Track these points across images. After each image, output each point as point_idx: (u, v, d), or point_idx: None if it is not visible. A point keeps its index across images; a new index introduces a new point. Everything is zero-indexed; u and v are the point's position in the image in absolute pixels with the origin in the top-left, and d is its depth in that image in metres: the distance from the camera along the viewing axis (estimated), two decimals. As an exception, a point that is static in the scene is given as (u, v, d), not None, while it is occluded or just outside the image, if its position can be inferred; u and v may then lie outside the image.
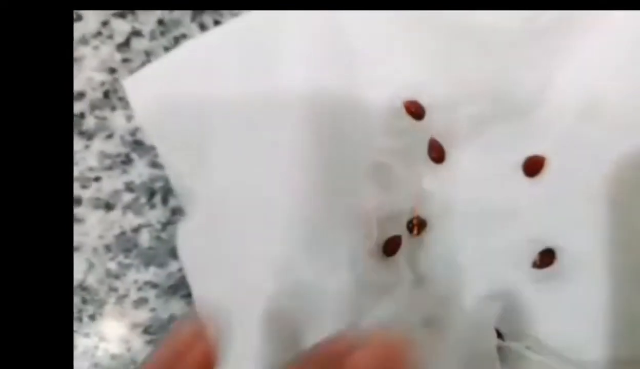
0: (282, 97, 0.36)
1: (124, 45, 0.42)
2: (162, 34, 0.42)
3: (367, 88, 0.36)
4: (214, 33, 0.38)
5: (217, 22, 0.42)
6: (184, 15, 0.41)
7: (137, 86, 0.38)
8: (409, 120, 0.36)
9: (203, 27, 0.41)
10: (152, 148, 0.41)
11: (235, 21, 0.38)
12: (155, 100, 0.37)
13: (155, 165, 0.42)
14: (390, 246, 0.36)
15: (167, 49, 0.41)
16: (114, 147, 0.41)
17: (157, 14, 0.41)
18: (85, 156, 0.41)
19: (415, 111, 0.36)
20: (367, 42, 0.36)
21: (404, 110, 0.36)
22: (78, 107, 0.42)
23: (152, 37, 0.42)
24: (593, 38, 0.35)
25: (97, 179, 0.41)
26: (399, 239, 0.36)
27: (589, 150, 0.35)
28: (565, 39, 0.36)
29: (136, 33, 0.42)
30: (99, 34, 0.42)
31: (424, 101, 0.36)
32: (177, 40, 0.42)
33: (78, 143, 0.41)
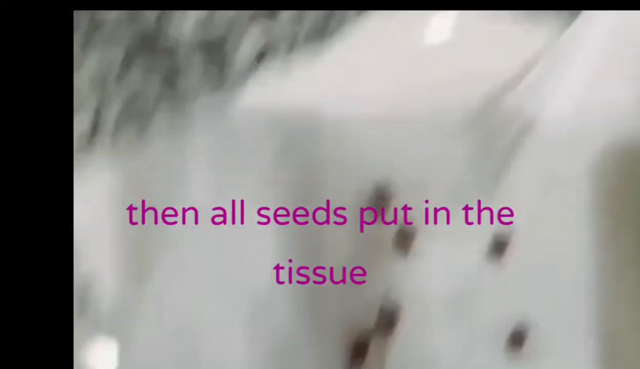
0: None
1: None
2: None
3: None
4: None
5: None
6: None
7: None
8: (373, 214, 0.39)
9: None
10: None
11: None
12: None
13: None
14: (359, 351, 0.37)
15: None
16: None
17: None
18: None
19: (380, 202, 0.39)
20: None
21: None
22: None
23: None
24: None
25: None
26: (367, 341, 0.37)
27: (551, 225, 0.37)
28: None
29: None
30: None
31: (392, 183, 0.39)
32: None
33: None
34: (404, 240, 0.38)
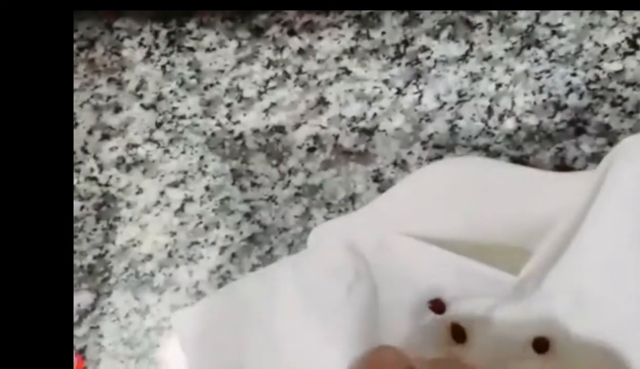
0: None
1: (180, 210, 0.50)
2: (210, 198, 0.49)
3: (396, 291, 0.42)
4: (249, 278, 0.45)
5: (254, 184, 0.48)
6: (226, 180, 0.48)
7: (182, 321, 0.43)
8: (433, 315, 0.41)
9: (242, 189, 0.48)
10: None
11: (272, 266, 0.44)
12: (197, 336, 0.42)
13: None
14: None
15: (214, 211, 0.48)
16: (181, 298, 0.48)
17: (204, 181, 0.49)
18: (160, 308, 0.48)
19: (438, 308, 0.41)
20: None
21: (427, 308, 0.42)
22: (148, 267, 0.48)
23: (202, 202, 0.49)
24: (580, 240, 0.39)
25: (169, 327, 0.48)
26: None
27: (585, 333, 0.39)
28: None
29: (188, 199, 0.49)
30: (157, 202, 0.50)
31: (445, 298, 0.41)
32: (222, 202, 0.48)
33: (151, 298, 0.48)
34: (459, 332, 0.41)
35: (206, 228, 0.48)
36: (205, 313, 0.42)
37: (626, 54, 0.45)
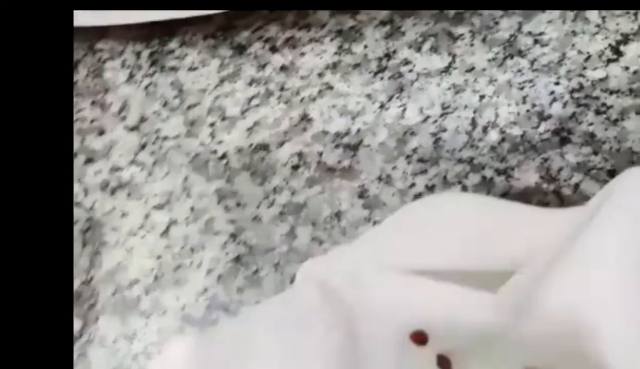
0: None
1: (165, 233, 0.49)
2: (195, 219, 0.48)
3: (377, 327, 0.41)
4: (226, 322, 0.45)
5: (239, 204, 0.47)
6: (211, 201, 0.48)
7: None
8: (416, 347, 0.41)
9: (227, 209, 0.47)
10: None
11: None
12: None
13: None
14: None
15: (199, 232, 0.47)
16: (168, 322, 0.47)
17: (189, 202, 0.48)
18: (147, 332, 0.47)
19: (420, 339, 0.40)
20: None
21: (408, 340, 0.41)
22: (135, 291, 0.47)
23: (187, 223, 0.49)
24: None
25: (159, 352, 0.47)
26: None
27: (576, 360, 0.36)
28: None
29: (173, 222, 0.49)
30: (142, 225, 0.49)
31: (428, 328, 0.40)
32: (207, 223, 0.48)
33: (138, 323, 0.47)
34: (446, 362, 0.40)
35: (192, 250, 0.47)
36: (179, 359, 0.41)
37: (609, 61, 0.45)
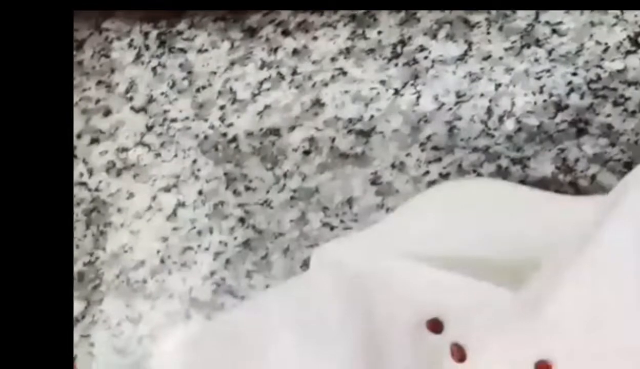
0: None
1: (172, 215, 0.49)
2: (203, 202, 0.48)
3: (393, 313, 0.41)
4: (241, 308, 0.44)
5: (248, 188, 0.47)
6: (220, 184, 0.48)
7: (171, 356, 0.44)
8: (431, 335, 0.41)
9: (236, 193, 0.47)
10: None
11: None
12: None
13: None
14: None
15: (207, 216, 0.47)
16: (174, 306, 0.47)
17: (197, 185, 0.48)
18: (153, 316, 0.46)
19: (436, 327, 0.40)
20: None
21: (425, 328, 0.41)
22: (140, 273, 0.47)
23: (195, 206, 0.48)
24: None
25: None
26: None
27: (589, 356, 0.37)
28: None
29: (181, 204, 0.49)
30: (149, 207, 0.49)
31: (442, 317, 0.40)
32: (215, 207, 0.47)
33: (144, 306, 0.47)
34: (459, 351, 0.40)
35: (199, 233, 0.46)
36: (194, 347, 0.42)
37: (628, 52, 0.44)
